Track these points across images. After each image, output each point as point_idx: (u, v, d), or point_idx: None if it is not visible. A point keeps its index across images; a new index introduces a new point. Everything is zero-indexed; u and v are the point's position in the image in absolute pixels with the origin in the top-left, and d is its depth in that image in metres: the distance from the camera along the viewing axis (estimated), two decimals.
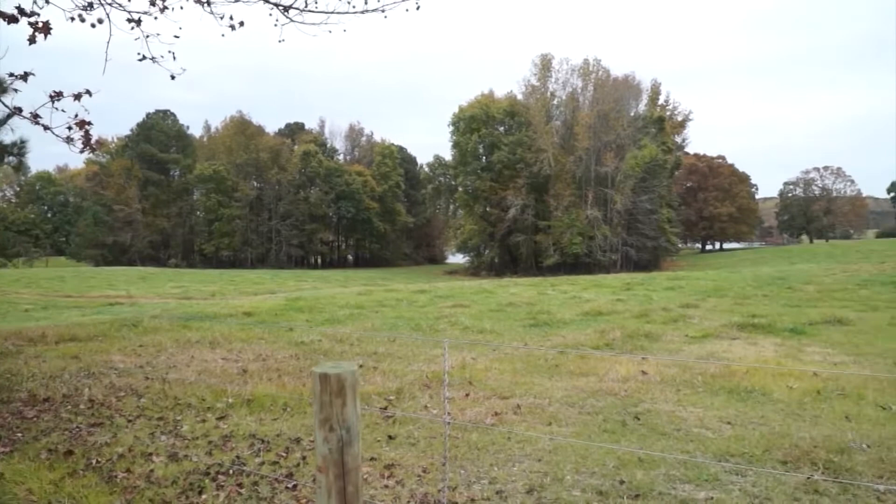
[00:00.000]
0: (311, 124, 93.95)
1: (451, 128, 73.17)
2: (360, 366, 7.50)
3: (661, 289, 18.88)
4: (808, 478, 3.94)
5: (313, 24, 7.17)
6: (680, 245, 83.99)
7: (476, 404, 5.77)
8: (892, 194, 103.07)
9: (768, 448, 4.49)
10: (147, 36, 6.75)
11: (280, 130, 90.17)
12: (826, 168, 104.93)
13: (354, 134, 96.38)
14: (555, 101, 70.00)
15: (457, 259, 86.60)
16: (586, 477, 4.07)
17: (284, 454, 4.60)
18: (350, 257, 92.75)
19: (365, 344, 9.00)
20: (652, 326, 10.35)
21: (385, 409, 5.64)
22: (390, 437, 4.89)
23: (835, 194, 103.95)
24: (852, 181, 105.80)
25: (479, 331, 10.38)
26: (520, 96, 71.98)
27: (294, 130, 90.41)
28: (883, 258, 38.21)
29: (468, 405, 5.74)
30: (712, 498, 3.73)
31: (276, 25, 7.10)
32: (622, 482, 3.96)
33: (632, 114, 68.00)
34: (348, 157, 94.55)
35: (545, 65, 69.66)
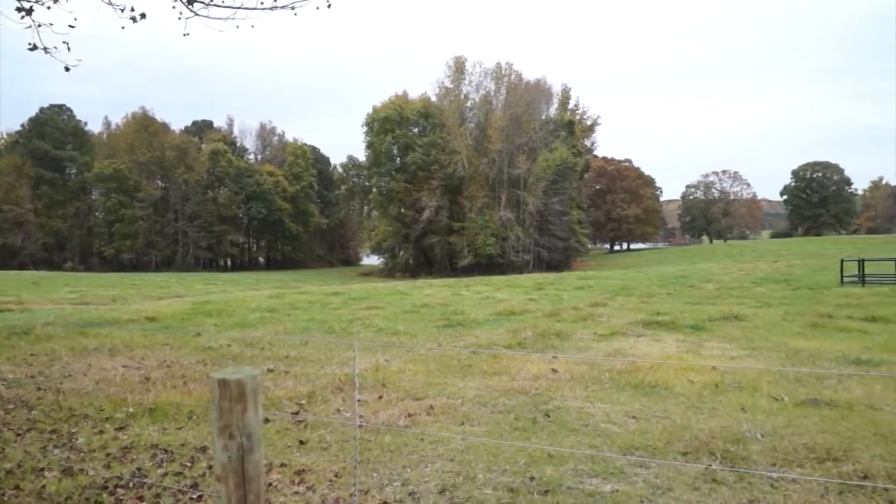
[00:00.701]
0: (219, 122, 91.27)
1: (365, 128, 72.68)
2: (271, 370, 7.32)
3: (572, 288, 19.39)
4: (707, 467, 4.12)
5: (219, 18, 6.95)
6: (589, 245, 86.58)
7: (389, 406, 5.74)
8: (785, 197, 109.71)
9: (670, 440, 4.67)
10: (39, 25, 6.36)
11: (187, 128, 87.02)
12: (724, 172, 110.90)
13: (266, 133, 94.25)
14: (468, 104, 70.81)
15: (371, 261, 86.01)
16: (498, 475, 4.11)
17: (189, 464, 4.42)
18: (261, 259, 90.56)
19: (276, 348, 8.79)
20: (562, 325, 10.60)
21: (296, 413, 5.53)
22: (301, 443, 4.79)
23: (732, 197, 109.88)
24: (748, 184, 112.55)
25: (394, 332, 10.34)
26: (434, 98, 72.35)
27: (202, 129, 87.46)
28: (776, 257, 40.70)
29: (381, 407, 5.70)
30: (618, 490, 3.85)
31: (179, 19, 6.84)
32: (532, 478, 4.03)
33: (543, 117, 69.60)
34: (259, 157, 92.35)
35: (459, 67, 70.34)
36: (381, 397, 6.02)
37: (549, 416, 5.32)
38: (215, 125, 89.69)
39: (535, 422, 5.19)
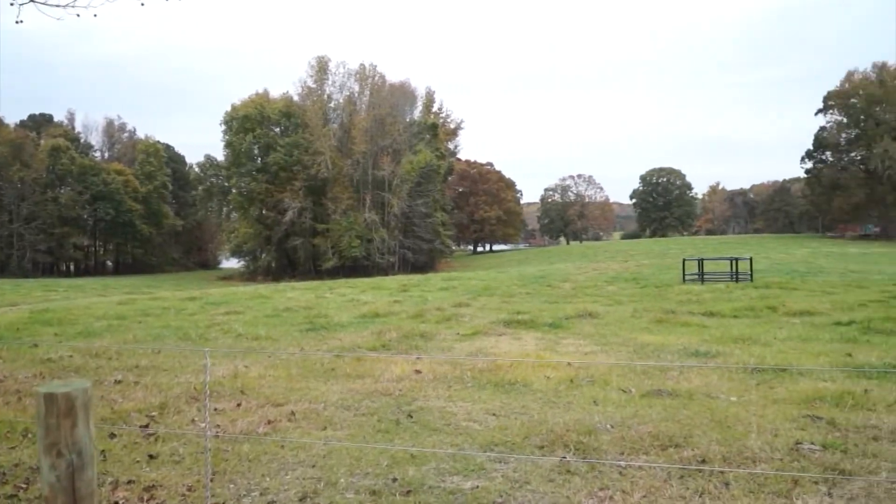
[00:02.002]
0: (60, 116, 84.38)
1: (224, 127, 70.04)
2: (119, 381, 6.82)
3: (436, 289, 19.63)
4: (562, 459, 4.29)
5: (57, 5, 6.40)
6: (454, 247, 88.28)
7: (248, 414, 5.52)
8: (634, 200, 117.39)
9: (528, 435, 4.82)
10: None
11: (23, 122, 79.64)
12: (580, 176, 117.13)
13: (113, 129, 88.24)
14: (332, 104, 70.03)
15: (231, 264, 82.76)
16: (360, 478, 4.06)
17: (24, 485, 4.02)
18: (109, 263, 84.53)
19: (125, 357, 8.22)
20: (427, 326, 10.70)
21: (146, 426, 5.18)
22: (151, 457, 4.49)
23: (587, 200, 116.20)
24: (601, 188, 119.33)
25: (254, 337, 9.99)
26: (296, 98, 70.92)
27: (40, 123, 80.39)
28: (627, 257, 43.41)
29: (240, 415, 5.47)
30: (478, 487, 3.91)
31: (12, 5, 6.23)
32: (395, 480, 4.01)
33: (407, 119, 70.17)
34: (107, 155, 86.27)
35: (322, 67, 69.37)
36: (239, 405, 5.78)
37: (412, 417, 5.33)
38: (55, 119, 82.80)
39: (399, 423, 5.19)
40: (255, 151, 68.45)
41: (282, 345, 9.34)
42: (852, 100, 70.59)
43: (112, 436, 4.95)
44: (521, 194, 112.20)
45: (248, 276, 67.16)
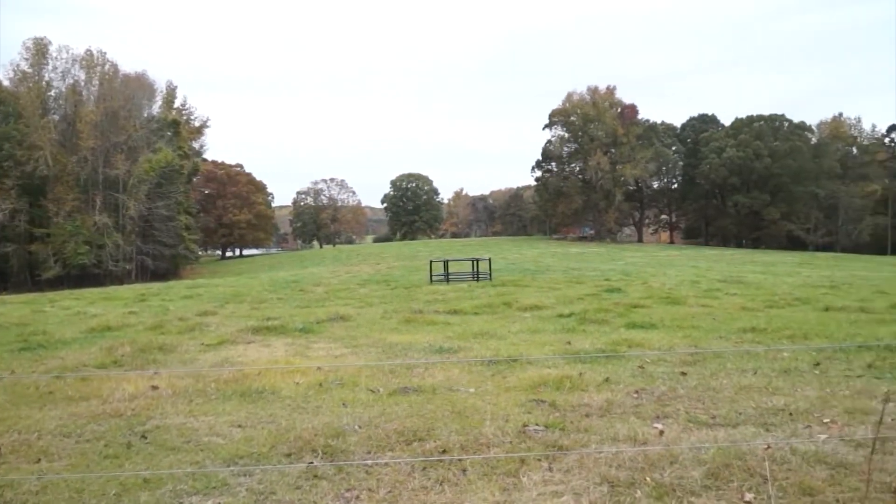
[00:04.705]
0: None
1: None
2: None
3: (179, 298, 18.40)
4: (309, 465, 4.24)
5: None
6: (200, 252, 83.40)
7: None
8: (385, 204, 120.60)
9: (275, 444, 4.69)
10: None
11: None
12: (332, 180, 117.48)
13: None
14: (52, 93, 61.94)
15: None
16: None
17: None
18: None
19: None
20: (167, 338, 9.94)
21: None
22: None
23: (340, 204, 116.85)
24: (354, 192, 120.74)
25: None
26: (6, 83, 61.70)
27: None
28: (379, 260, 44.43)
29: None
30: (220, 503, 3.72)
31: None
32: None
33: (145, 115, 64.72)
34: None
35: (40, 50, 61.02)
36: None
37: (146, 438, 4.90)
38: None
39: (130, 446, 4.73)
40: None
41: None
42: (572, 118, 79.68)
43: None
44: (273, 197, 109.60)
45: None
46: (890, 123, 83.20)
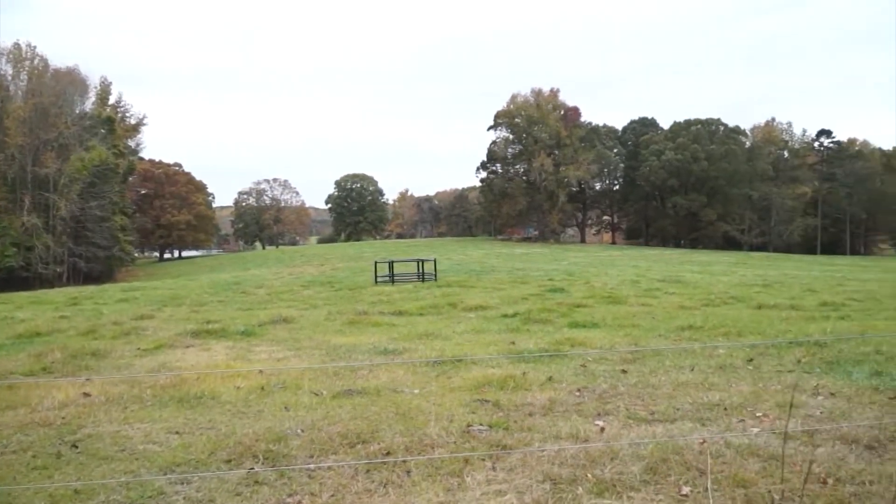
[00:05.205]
0: None
1: None
2: None
3: (114, 301, 17.84)
4: (249, 471, 4.15)
5: None
6: (136, 254, 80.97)
7: None
8: (330, 205, 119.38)
9: (214, 450, 4.58)
10: None
11: None
12: (275, 180, 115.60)
13: None
14: None
15: None
16: None
17: None
18: None
19: None
20: (100, 343, 9.60)
21: None
22: None
23: (283, 204, 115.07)
24: (297, 193, 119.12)
25: None
26: None
27: None
28: (323, 261, 43.95)
29: None
30: None
31: None
32: None
33: (77, 111, 62.41)
34: None
35: None
36: None
37: (77, 447, 4.71)
38: None
39: (60, 456, 4.54)
40: None
41: None
42: (516, 119, 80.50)
43: None
44: (214, 198, 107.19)
45: None
46: (819, 128, 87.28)
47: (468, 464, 4.21)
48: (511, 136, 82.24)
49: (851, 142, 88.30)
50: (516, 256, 44.83)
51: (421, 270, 22.60)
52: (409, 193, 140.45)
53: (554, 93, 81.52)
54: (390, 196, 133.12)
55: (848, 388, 6.02)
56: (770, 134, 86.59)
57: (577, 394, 6.03)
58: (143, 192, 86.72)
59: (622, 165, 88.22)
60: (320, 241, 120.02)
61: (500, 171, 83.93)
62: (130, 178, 76.62)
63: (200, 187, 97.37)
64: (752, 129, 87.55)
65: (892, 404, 5.47)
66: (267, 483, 3.98)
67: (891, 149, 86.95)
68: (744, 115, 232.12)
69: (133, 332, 10.83)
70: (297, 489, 3.89)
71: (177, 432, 5.07)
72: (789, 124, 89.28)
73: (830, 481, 3.81)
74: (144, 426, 5.24)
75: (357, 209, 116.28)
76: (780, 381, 6.36)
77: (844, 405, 5.46)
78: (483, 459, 4.29)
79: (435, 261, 24.08)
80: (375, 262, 24.43)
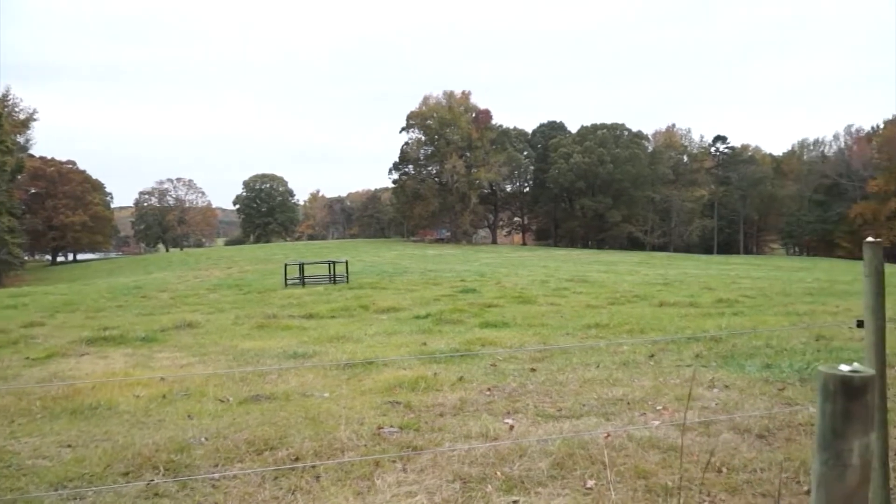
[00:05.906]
0: None
1: None
2: None
3: (1, 308, 16.71)
4: (149, 483, 3.97)
5: None
6: (26, 257, 76.02)
7: None
8: (238, 206, 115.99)
9: (110, 463, 4.35)
10: None
11: None
12: (179, 180, 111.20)
13: None
14: None
15: None
16: None
17: None
18: None
19: None
20: None
21: None
22: None
23: (188, 205, 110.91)
24: (203, 193, 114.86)
25: None
26: None
27: None
28: (230, 263, 42.64)
29: None
30: None
31: None
32: None
33: None
34: None
35: None
36: None
37: None
38: None
39: None
40: None
41: None
42: (428, 121, 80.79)
43: None
44: (112, 198, 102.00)
45: None
46: (715, 134, 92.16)
47: (379, 466, 4.18)
48: (423, 138, 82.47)
49: (745, 147, 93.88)
50: (429, 258, 45.00)
51: (332, 272, 22.32)
52: (320, 194, 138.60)
53: (466, 95, 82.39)
54: (301, 197, 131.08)
55: (741, 380, 6.37)
56: (671, 139, 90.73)
57: (488, 393, 6.11)
58: (33, 191, 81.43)
59: (532, 168, 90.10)
60: (228, 243, 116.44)
61: (412, 172, 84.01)
62: (19, 177, 71.82)
63: (97, 186, 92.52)
64: (654, 134, 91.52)
65: (781, 395, 5.83)
66: (168, 495, 3.82)
67: (780, 154, 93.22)
68: (646, 120, 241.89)
69: (21, 341, 10.17)
70: (201, 500, 3.75)
71: (69, 445, 4.79)
72: (688, 130, 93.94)
73: (725, 470, 4.02)
74: (33, 440, 4.92)
75: (266, 210, 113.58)
76: (679, 376, 6.66)
77: (738, 397, 5.77)
78: (394, 461, 4.27)
79: (347, 263, 23.82)
80: (286, 265, 23.94)
